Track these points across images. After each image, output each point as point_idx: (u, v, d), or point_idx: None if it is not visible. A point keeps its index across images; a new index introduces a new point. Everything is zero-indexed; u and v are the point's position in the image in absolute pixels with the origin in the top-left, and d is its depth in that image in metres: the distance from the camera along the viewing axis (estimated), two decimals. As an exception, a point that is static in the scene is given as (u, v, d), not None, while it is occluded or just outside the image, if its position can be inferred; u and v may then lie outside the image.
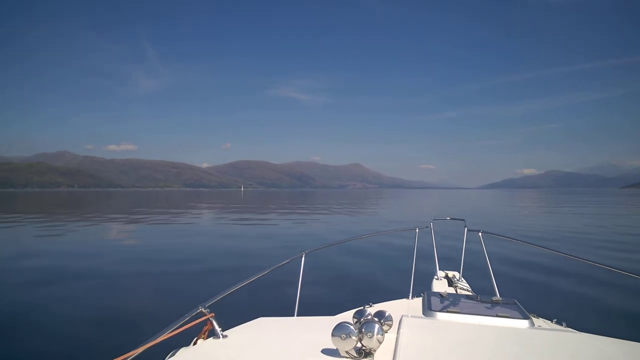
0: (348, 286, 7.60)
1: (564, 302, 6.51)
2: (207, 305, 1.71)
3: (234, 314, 1.82)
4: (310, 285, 6.55)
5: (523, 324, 1.78)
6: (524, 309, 1.95)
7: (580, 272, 7.85)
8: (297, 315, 2.55)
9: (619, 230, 18.21)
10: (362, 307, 1.89)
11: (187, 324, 1.60)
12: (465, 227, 3.98)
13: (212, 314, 1.66)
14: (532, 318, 1.95)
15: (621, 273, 2.54)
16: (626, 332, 2.22)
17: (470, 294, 2.80)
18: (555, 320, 2.46)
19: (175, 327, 1.56)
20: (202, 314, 1.67)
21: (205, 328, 1.64)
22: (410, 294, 2.98)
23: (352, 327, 1.38)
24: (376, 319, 1.57)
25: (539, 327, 1.84)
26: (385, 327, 1.60)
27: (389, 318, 1.65)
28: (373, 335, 1.38)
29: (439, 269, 3.73)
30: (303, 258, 2.77)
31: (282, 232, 17.36)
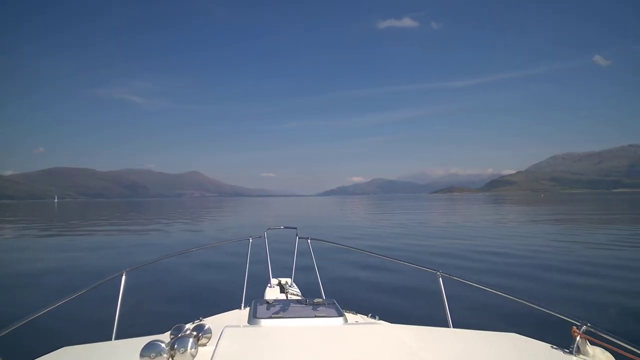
0: (178, 302, 7.23)
1: (378, 297, 7.37)
2: None
3: (31, 347, 1.57)
4: (133, 305, 6.08)
5: (338, 321, 1.94)
6: (339, 308, 2.11)
7: (392, 270, 9.02)
8: (116, 339, 2.34)
9: (425, 228, 21.34)
10: (180, 324, 1.84)
11: None
12: (297, 235, 4.14)
13: None
14: (349, 315, 2.14)
15: (419, 268, 2.97)
16: (424, 318, 2.60)
17: (299, 298, 2.94)
18: (370, 314, 2.73)
19: None
20: None
21: None
22: (243, 304, 2.99)
23: (162, 345, 1.37)
24: (194, 333, 1.60)
25: (352, 323, 2.03)
26: (203, 340, 1.63)
27: (208, 331, 1.67)
28: (186, 350, 1.40)
29: (272, 277, 3.81)
30: (124, 276, 2.56)
31: (100, 249, 15.31)
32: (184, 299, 7.47)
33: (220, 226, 27.37)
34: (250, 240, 3.96)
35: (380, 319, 2.61)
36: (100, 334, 2.37)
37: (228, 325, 1.76)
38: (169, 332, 1.67)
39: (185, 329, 1.64)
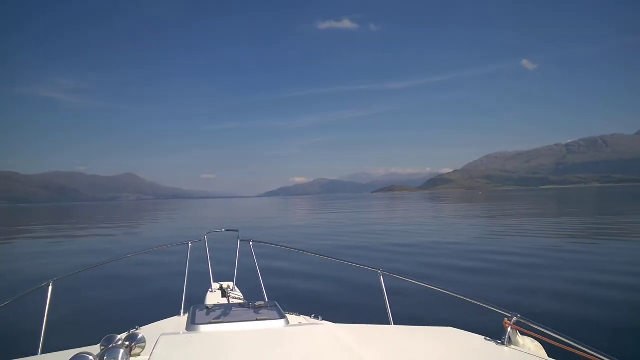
0: (111, 312, 6.86)
1: (321, 297, 7.43)
2: None
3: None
4: (62, 316, 5.69)
5: (280, 323, 1.92)
6: (281, 310, 2.10)
7: (334, 270, 9.07)
8: (42, 353, 2.19)
9: (371, 228, 21.78)
10: (112, 334, 1.77)
11: None
12: (238, 237, 4.08)
13: None
14: (291, 316, 2.14)
15: (361, 267, 3.04)
16: (366, 316, 2.66)
17: (241, 302, 2.89)
18: (313, 315, 2.75)
19: None
20: None
21: None
22: (182, 311, 2.90)
23: (90, 357, 1.32)
24: (127, 343, 1.54)
25: (293, 325, 2.02)
26: (137, 350, 1.58)
27: (142, 340, 1.61)
28: None
29: (214, 282, 3.73)
30: (51, 287, 2.41)
31: (23, 259, 14.16)
32: (118, 308, 7.10)
33: (157, 230, 26.38)
34: (190, 245, 3.84)
35: (323, 319, 2.63)
36: (26, 349, 2.22)
37: (164, 333, 1.69)
38: (99, 344, 1.59)
39: (117, 339, 1.57)
